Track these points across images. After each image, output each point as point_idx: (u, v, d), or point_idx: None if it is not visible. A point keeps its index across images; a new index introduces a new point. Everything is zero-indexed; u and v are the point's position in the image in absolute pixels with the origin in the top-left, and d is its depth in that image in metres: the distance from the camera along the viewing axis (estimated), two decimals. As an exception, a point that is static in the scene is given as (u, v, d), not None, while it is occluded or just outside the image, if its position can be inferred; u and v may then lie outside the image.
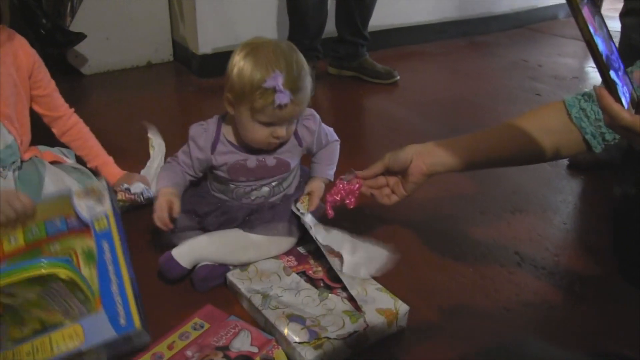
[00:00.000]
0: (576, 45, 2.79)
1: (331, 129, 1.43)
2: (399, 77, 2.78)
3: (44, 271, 0.97)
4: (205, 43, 2.76)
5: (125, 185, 1.53)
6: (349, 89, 2.74)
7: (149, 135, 1.79)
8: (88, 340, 0.97)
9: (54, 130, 1.55)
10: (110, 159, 1.61)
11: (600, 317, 1.25)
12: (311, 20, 2.55)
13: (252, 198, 1.35)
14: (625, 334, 1.19)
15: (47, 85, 1.50)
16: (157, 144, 1.77)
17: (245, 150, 1.30)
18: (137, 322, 1.00)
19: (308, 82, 1.22)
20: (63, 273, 0.98)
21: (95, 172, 1.58)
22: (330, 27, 2.70)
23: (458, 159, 1.15)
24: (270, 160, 1.32)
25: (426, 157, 1.17)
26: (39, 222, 1.13)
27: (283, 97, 1.15)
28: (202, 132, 1.30)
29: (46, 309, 1.00)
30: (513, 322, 1.22)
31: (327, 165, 1.40)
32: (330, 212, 1.26)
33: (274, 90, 1.15)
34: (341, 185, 1.25)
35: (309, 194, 1.35)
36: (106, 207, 1.14)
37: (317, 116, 1.37)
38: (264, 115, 1.19)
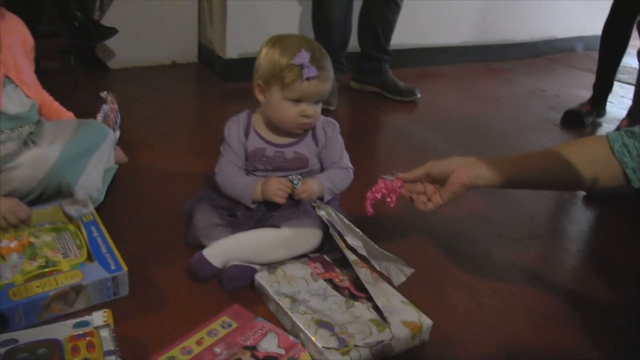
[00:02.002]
0: (592, 78, 2.83)
1: (347, 157, 1.48)
2: (419, 95, 2.82)
3: (62, 225, 1.36)
4: (233, 47, 2.79)
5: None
6: (370, 104, 2.78)
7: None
8: (87, 279, 1.16)
9: None
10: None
11: (617, 344, 1.27)
12: (336, 33, 2.60)
13: None
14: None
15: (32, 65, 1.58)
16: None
17: (268, 142, 1.41)
18: (124, 266, 1.21)
19: (330, 65, 1.35)
20: (72, 226, 1.36)
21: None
22: (352, 43, 2.74)
23: (500, 175, 1.17)
24: (289, 153, 1.40)
25: (468, 169, 1.18)
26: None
27: (310, 71, 1.28)
28: (234, 123, 1.44)
29: (53, 249, 1.26)
30: (529, 346, 1.24)
31: (329, 179, 1.42)
32: (370, 210, 1.26)
33: (302, 66, 1.28)
34: (382, 184, 1.25)
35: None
36: (91, 209, 1.41)
37: (338, 126, 1.46)
38: (293, 91, 1.31)
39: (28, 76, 1.48)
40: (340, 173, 1.44)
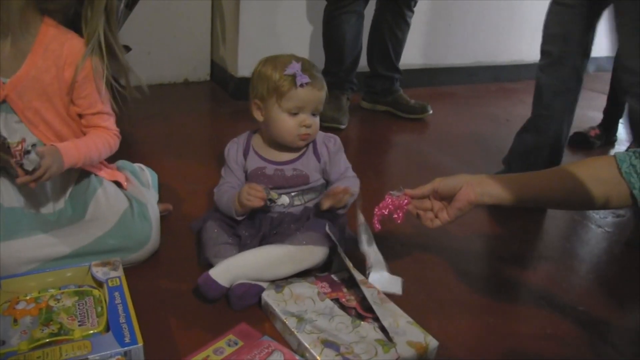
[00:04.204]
0: (603, 100, 2.82)
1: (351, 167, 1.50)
2: (431, 112, 2.83)
3: (88, 288, 1.23)
4: (245, 66, 2.82)
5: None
6: (381, 124, 2.79)
7: None
8: (95, 351, 1.03)
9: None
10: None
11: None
12: (347, 53, 2.62)
13: (273, 207, 1.43)
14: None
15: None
16: None
17: (267, 160, 1.44)
18: (140, 340, 1.07)
19: (322, 77, 1.41)
20: (97, 292, 1.23)
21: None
22: (361, 62, 2.77)
23: (508, 193, 1.17)
24: (288, 170, 1.43)
25: (476, 186, 1.19)
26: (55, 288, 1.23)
27: (303, 77, 1.33)
28: (234, 145, 1.49)
29: (70, 315, 1.14)
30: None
31: (349, 185, 1.42)
32: (378, 226, 1.28)
33: (294, 75, 1.33)
34: (390, 200, 1.26)
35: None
36: (119, 273, 1.27)
37: (339, 141, 1.48)
38: (289, 101, 1.36)
39: (46, 115, 1.32)
40: (352, 181, 1.46)
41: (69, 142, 1.32)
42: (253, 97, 1.41)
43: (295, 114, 1.37)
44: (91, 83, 1.33)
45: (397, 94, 2.88)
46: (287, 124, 1.38)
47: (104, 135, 1.40)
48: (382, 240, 1.48)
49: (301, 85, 1.34)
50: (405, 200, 1.26)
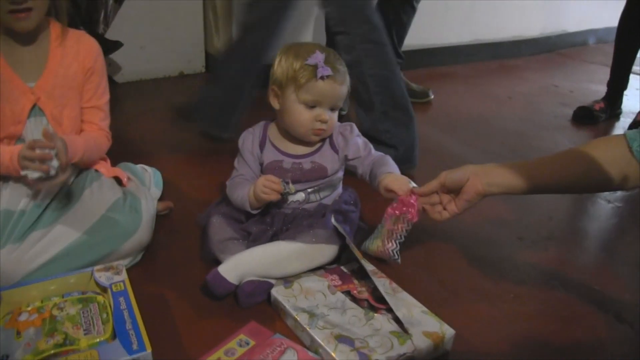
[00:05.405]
0: (606, 72, 2.78)
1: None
2: (432, 97, 2.79)
3: (93, 295, 1.20)
4: (240, 56, 2.77)
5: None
6: (382, 108, 2.74)
7: None
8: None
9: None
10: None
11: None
12: None
13: (287, 202, 1.39)
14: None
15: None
16: None
17: (285, 153, 1.39)
18: (148, 346, 1.04)
19: (346, 70, 1.35)
20: (101, 298, 1.19)
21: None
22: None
23: (517, 182, 1.14)
24: (306, 163, 1.38)
25: (483, 177, 1.16)
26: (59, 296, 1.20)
27: (324, 70, 1.28)
28: (249, 135, 1.43)
29: (75, 324, 1.10)
30: (554, 349, 1.21)
31: (393, 168, 1.37)
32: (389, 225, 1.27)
33: (316, 66, 1.28)
34: (400, 200, 1.25)
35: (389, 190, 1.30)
36: (123, 277, 1.24)
37: (355, 128, 1.43)
38: (307, 92, 1.30)
39: (71, 111, 1.39)
40: (390, 160, 1.39)
41: (73, 136, 1.37)
42: (272, 84, 1.36)
43: (312, 107, 1.32)
44: (97, 76, 1.42)
45: (398, 77, 2.83)
46: (302, 117, 1.33)
47: (96, 136, 1.44)
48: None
49: (321, 78, 1.28)
50: (413, 198, 1.24)
